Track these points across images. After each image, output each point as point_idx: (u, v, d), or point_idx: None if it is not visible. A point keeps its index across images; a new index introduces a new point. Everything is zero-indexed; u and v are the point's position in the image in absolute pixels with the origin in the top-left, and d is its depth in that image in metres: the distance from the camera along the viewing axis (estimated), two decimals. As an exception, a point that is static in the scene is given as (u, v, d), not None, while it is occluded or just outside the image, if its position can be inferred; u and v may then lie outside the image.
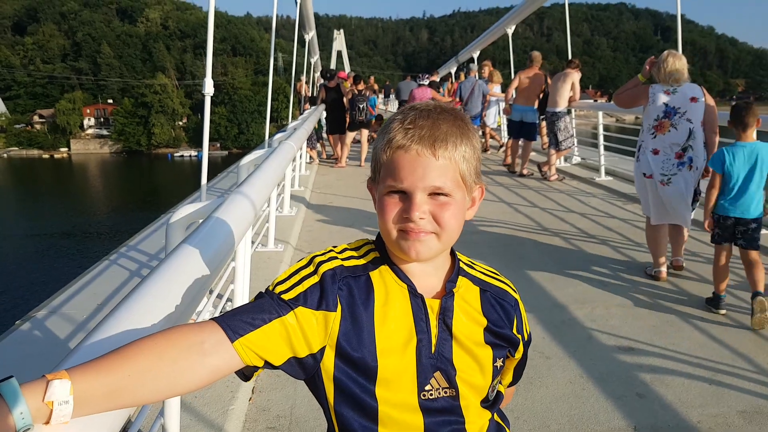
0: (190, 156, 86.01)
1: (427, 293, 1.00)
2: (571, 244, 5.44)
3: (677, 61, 4.34)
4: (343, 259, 1.00)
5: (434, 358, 0.97)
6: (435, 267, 1.02)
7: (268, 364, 0.91)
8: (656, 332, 3.55)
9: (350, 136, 10.93)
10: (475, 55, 17.51)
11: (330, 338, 0.94)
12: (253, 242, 4.93)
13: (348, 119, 10.81)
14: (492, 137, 13.04)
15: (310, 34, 13.19)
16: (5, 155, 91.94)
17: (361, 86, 10.81)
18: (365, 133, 11.19)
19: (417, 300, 0.98)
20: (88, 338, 0.90)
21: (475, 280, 1.06)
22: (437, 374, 0.97)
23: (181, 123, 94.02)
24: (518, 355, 1.11)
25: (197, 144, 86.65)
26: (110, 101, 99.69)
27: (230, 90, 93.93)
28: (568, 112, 8.97)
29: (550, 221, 6.40)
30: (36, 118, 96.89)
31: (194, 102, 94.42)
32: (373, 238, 1.06)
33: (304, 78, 14.66)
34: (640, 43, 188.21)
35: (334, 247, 1.04)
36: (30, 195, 58.97)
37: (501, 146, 12.65)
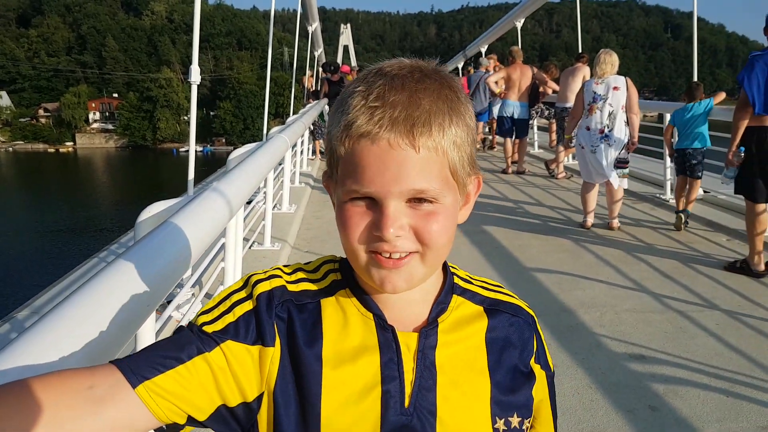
0: (197, 151, 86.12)
1: (406, 325, 0.74)
2: (580, 245, 5.26)
3: (608, 57, 5.61)
4: (289, 282, 0.75)
5: (408, 415, 0.70)
6: (423, 291, 0.75)
7: (192, 421, 0.67)
8: (669, 339, 3.37)
9: None
10: (483, 50, 17.26)
11: (267, 383, 0.69)
12: (247, 240, 4.77)
13: None
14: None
15: (314, 26, 12.94)
16: (10, 149, 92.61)
17: None
18: None
19: (386, 334, 0.72)
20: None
21: (476, 298, 0.79)
22: None
23: (186, 118, 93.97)
24: (541, 394, 0.81)
25: (203, 139, 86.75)
26: (115, 95, 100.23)
27: (236, 85, 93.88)
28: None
29: (557, 220, 6.21)
30: (41, 111, 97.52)
31: (200, 96, 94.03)
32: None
33: (308, 72, 14.45)
34: (650, 40, 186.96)
35: (287, 265, 0.79)
36: (35, 189, 59.19)
37: (494, 146, 12.40)
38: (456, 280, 0.80)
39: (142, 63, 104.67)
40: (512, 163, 9.37)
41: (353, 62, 49.27)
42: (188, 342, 0.68)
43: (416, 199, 0.67)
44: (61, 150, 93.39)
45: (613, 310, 3.78)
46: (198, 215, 1.52)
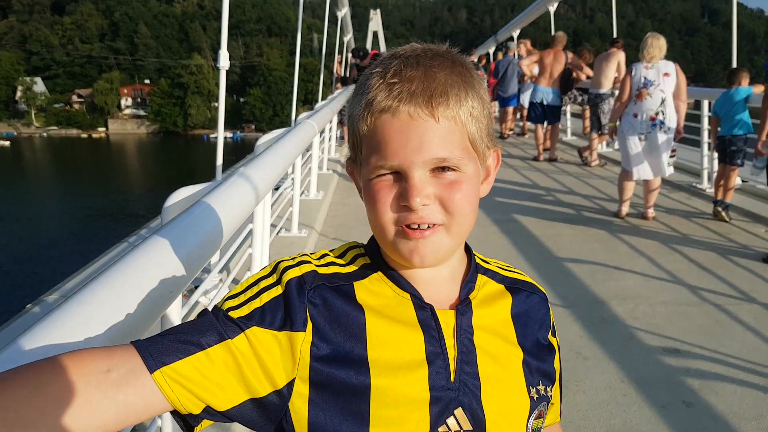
0: (226, 138, 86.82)
1: (441, 303, 0.75)
2: (614, 235, 5.14)
3: (655, 42, 5.41)
4: (319, 266, 0.75)
5: (454, 390, 0.71)
6: (450, 268, 0.77)
7: (210, 411, 0.66)
8: (705, 333, 3.27)
9: None
10: (515, 35, 16.99)
11: (300, 368, 0.68)
12: (274, 226, 4.78)
13: None
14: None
15: (343, 11, 12.87)
16: (45, 134, 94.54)
17: None
18: None
19: (425, 313, 0.73)
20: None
21: (497, 277, 0.83)
22: (458, 411, 0.71)
23: (216, 104, 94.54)
24: (557, 365, 0.86)
25: (233, 126, 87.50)
26: (147, 81, 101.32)
27: (265, 72, 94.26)
28: (613, 94, 8.53)
29: (591, 209, 6.08)
30: (75, 97, 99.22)
31: (230, 83, 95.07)
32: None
33: (337, 58, 14.39)
34: (687, 25, 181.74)
35: (312, 252, 0.79)
36: (69, 174, 60.52)
37: (525, 133, 12.26)
38: (477, 260, 0.83)
39: (173, 49, 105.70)
40: (544, 150, 9.21)
41: (382, 48, 48.99)
42: (211, 327, 0.67)
43: (440, 169, 0.70)
44: (93, 135, 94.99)
45: (647, 302, 3.69)
46: (225, 200, 1.50)
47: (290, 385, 0.69)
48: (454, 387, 0.72)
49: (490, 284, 0.81)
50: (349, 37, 15.95)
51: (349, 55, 13.55)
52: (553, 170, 8.35)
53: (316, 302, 0.71)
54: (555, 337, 0.86)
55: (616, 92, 8.77)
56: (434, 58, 0.71)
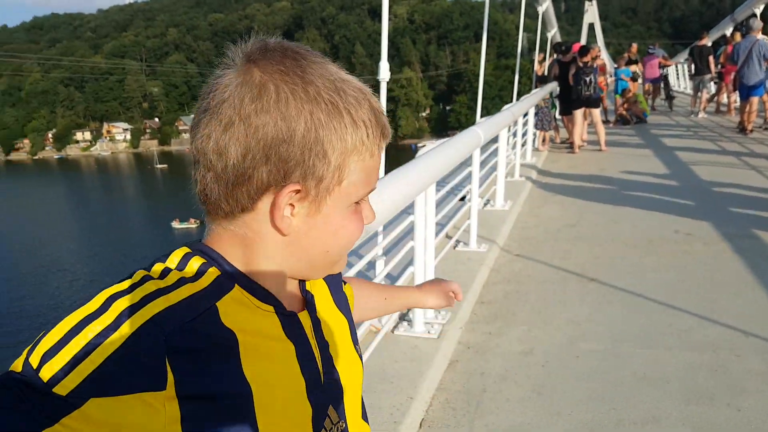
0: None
1: (293, 305, 0.72)
2: None
3: None
4: (167, 290, 0.60)
5: (325, 391, 0.71)
6: None
7: None
8: None
9: (578, 115, 9.47)
10: (758, 11, 14.45)
11: (168, 427, 0.56)
12: (449, 237, 4.37)
13: (574, 96, 9.39)
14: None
15: (544, 6, 11.95)
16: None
17: (587, 58, 9.33)
18: (596, 112, 9.66)
19: (289, 320, 0.69)
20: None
21: None
22: (330, 409, 0.72)
23: (424, 114, 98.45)
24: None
25: (438, 133, 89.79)
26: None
27: (472, 78, 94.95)
28: None
29: None
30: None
31: (436, 93, 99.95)
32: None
33: (538, 56, 13.42)
34: None
35: (147, 269, 0.62)
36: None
37: None
38: None
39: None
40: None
41: (599, 41, 45.99)
42: (26, 413, 0.52)
43: None
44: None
45: None
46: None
47: None
48: (325, 387, 0.72)
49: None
50: (553, 32, 14.87)
51: (552, 50, 12.58)
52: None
53: (177, 346, 0.57)
54: (346, 284, 0.92)
55: None
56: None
